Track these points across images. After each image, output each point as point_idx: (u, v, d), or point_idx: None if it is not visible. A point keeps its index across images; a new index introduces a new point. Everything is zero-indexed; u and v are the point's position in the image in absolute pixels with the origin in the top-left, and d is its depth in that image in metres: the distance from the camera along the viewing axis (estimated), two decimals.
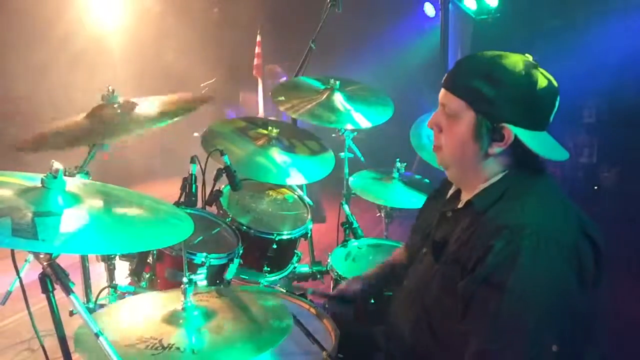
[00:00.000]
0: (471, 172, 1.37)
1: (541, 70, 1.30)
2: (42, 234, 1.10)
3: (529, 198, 1.26)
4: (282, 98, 2.66)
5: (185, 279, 1.41)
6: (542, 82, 1.28)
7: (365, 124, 2.61)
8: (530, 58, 1.32)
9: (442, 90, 1.36)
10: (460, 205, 1.40)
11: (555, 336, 1.14)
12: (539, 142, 1.28)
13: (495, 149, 1.30)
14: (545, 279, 1.15)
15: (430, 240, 1.43)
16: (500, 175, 1.33)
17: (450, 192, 1.51)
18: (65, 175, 1.27)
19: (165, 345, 1.26)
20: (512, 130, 1.27)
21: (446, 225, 1.40)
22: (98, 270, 2.16)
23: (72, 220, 1.20)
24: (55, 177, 1.24)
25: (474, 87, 1.28)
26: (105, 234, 1.23)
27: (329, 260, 2.29)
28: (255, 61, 7.10)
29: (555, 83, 1.30)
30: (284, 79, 6.34)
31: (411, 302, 1.43)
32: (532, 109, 1.28)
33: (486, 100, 1.27)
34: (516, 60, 1.29)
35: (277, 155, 2.47)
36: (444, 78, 1.37)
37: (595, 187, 5.49)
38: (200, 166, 2.16)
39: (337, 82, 2.66)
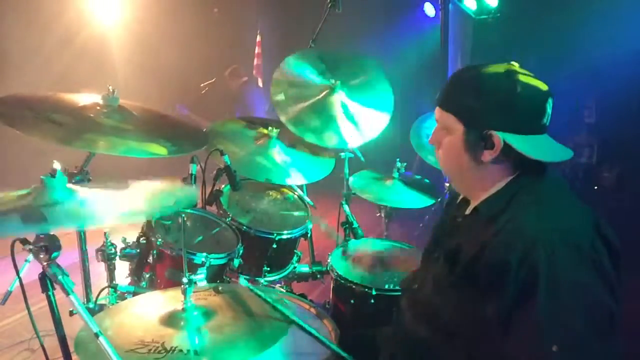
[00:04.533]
0: (472, 182, 1.39)
1: (525, 74, 1.31)
2: (51, 217, 1.13)
3: (539, 204, 1.27)
4: (282, 97, 2.65)
5: (185, 280, 1.41)
6: (523, 86, 1.29)
7: (370, 133, 2.57)
8: (516, 65, 1.33)
9: (436, 108, 1.41)
10: (467, 212, 1.42)
11: (593, 338, 1.16)
12: (532, 146, 1.29)
13: (488, 156, 1.32)
14: (568, 286, 1.15)
15: (442, 246, 1.44)
16: (505, 182, 1.34)
17: (460, 197, 1.52)
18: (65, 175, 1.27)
19: (168, 348, 1.26)
20: (500, 137, 1.28)
21: (458, 232, 1.41)
22: (98, 270, 2.16)
23: (78, 202, 1.23)
24: (53, 177, 1.24)
25: (459, 100, 1.34)
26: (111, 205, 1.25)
27: (329, 260, 2.29)
28: (255, 61, 7.10)
29: (542, 86, 1.30)
30: (245, 79, 6.32)
31: (423, 305, 1.44)
32: (515, 113, 1.29)
33: (470, 109, 1.32)
34: (497, 69, 1.32)
35: (277, 155, 2.47)
36: (436, 97, 1.41)
37: (595, 187, 5.50)
38: (200, 166, 2.16)
39: (338, 82, 2.64)
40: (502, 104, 1.29)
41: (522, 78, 1.29)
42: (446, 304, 1.35)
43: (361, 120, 2.59)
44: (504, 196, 1.32)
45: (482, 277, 1.23)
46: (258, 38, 7.06)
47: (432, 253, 1.49)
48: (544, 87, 1.31)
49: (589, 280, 1.17)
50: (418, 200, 2.60)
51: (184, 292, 1.40)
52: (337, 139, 2.52)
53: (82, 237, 2.05)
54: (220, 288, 1.58)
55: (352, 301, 2.11)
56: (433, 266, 1.45)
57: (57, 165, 1.25)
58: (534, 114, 1.31)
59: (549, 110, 1.31)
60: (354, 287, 2.10)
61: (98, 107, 1.91)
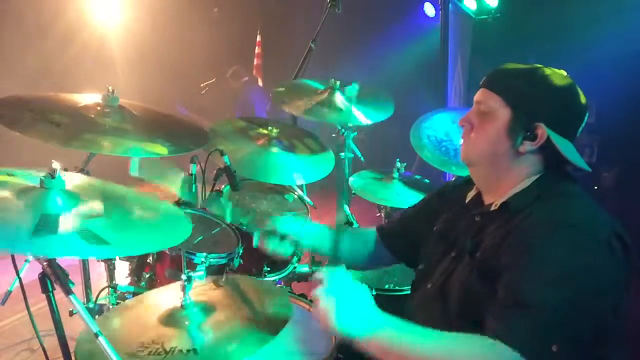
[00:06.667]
0: (500, 171, 1.39)
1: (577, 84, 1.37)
2: (109, 239, 1.14)
3: (566, 198, 1.30)
4: (282, 89, 2.66)
5: (184, 276, 1.41)
6: (577, 92, 1.35)
7: (366, 121, 2.59)
8: (565, 73, 1.38)
9: (480, 90, 1.41)
10: (493, 208, 1.39)
11: (590, 327, 1.16)
12: (567, 148, 1.32)
13: (527, 147, 1.33)
14: (583, 269, 1.16)
15: (460, 245, 1.43)
16: (533, 178, 1.36)
17: (471, 195, 1.51)
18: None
19: (168, 349, 1.26)
20: (546, 131, 1.30)
21: (478, 228, 1.40)
22: (98, 270, 2.16)
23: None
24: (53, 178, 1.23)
25: (515, 85, 1.35)
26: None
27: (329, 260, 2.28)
28: (255, 61, 7.10)
29: (586, 97, 1.37)
30: (246, 79, 6.32)
31: (436, 303, 1.42)
32: (566, 114, 1.34)
33: (526, 97, 1.33)
34: (555, 70, 1.37)
35: (277, 155, 2.47)
36: (482, 80, 1.42)
37: (595, 187, 5.49)
38: (200, 166, 2.16)
39: (337, 82, 2.65)
40: (558, 100, 1.33)
41: (575, 84, 1.36)
42: (461, 297, 1.34)
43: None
44: (534, 192, 1.33)
45: (503, 258, 1.23)
46: (258, 38, 7.06)
47: (445, 254, 1.47)
48: (586, 99, 1.37)
49: (604, 269, 1.18)
50: (418, 201, 2.59)
51: (183, 290, 1.40)
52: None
53: None
54: (220, 281, 1.57)
55: None
56: (451, 265, 1.43)
57: (56, 165, 1.24)
58: (578, 121, 1.36)
59: (585, 122, 1.37)
60: None
61: (98, 107, 1.91)
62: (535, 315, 1.12)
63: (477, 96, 1.41)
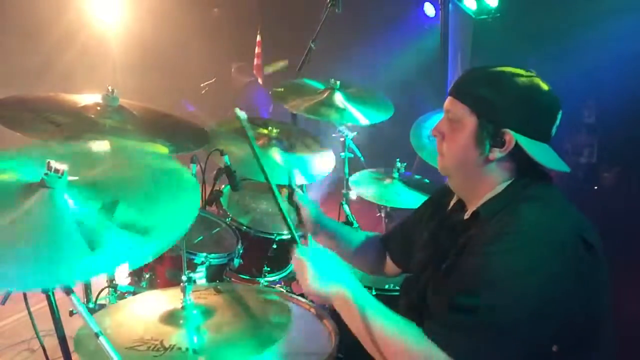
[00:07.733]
0: (474, 179, 1.38)
1: (544, 82, 1.33)
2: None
3: (528, 204, 1.27)
4: (281, 89, 2.66)
5: (184, 277, 1.41)
6: (544, 92, 1.32)
7: (365, 121, 2.59)
8: (534, 73, 1.36)
9: (448, 98, 1.39)
10: (466, 217, 1.40)
11: (540, 335, 1.15)
12: (539, 151, 1.30)
13: (496, 154, 1.32)
14: (527, 274, 1.16)
15: (438, 255, 1.43)
16: (505, 184, 1.35)
17: (452, 202, 1.51)
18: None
19: (167, 346, 1.26)
20: (514, 136, 1.29)
21: (452, 236, 1.40)
22: None
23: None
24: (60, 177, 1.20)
25: (478, 93, 1.32)
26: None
27: None
28: (255, 61, 7.10)
29: (556, 97, 1.33)
30: (252, 79, 6.30)
31: (420, 312, 1.40)
32: (533, 117, 1.31)
33: (489, 104, 1.31)
34: (519, 72, 1.34)
35: (277, 155, 2.47)
36: (450, 87, 1.40)
37: (595, 187, 5.49)
38: (200, 166, 2.16)
39: (337, 82, 2.66)
40: (522, 104, 1.30)
41: (542, 84, 1.32)
42: (433, 304, 1.34)
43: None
44: (505, 198, 1.32)
45: (465, 263, 1.24)
46: (258, 38, 7.06)
47: (430, 263, 1.46)
48: (558, 98, 1.33)
49: (553, 276, 1.16)
50: (418, 200, 2.59)
51: (183, 291, 1.40)
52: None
53: None
54: (220, 287, 1.59)
55: None
56: (430, 276, 1.43)
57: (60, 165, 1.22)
58: (548, 121, 1.33)
59: (558, 121, 1.34)
60: None
61: (98, 107, 1.91)
62: (473, 323, 1.12)
63: (445, 105, 1.39)
